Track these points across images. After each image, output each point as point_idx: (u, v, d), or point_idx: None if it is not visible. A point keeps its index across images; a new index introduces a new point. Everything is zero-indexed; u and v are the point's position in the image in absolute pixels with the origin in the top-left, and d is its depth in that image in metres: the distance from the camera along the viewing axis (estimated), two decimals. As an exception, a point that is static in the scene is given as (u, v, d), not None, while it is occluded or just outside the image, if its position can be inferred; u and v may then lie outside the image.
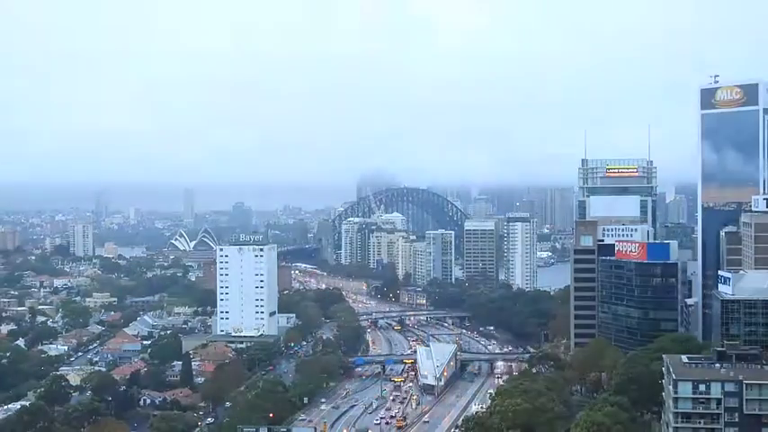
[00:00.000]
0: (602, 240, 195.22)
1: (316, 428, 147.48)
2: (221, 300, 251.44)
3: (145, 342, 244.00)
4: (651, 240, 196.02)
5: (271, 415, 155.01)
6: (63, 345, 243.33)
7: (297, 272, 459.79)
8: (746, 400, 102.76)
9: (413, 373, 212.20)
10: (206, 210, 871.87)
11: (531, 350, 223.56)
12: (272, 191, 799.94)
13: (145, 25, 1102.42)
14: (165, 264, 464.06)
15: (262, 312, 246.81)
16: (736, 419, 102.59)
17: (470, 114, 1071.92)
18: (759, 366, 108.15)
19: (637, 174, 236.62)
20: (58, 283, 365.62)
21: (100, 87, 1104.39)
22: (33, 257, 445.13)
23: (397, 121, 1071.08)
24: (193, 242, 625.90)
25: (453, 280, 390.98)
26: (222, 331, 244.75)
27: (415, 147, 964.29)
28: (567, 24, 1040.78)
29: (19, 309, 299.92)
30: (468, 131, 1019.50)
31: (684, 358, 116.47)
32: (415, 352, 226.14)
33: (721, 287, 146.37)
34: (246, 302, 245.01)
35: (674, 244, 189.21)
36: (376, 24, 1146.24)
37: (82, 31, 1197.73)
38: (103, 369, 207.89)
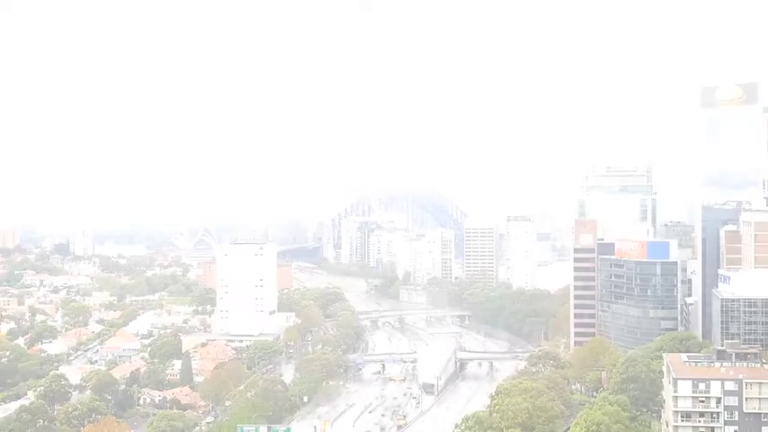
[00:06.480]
0: (602, 239, 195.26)
1: (316, 427, 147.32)
2: (221, 299, 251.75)
3: (144, 341, 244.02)
4: (651, 239, 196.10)
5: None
6: (63, 344, 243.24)
7: (297, 270, 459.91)
8: (746, 398, 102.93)
9: (412, 372, 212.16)
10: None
11: (531, 349, 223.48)
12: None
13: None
14: (165, 263, 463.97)
15: (261, 311, 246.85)
16: (736, 418, 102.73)
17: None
18: (759, 365, 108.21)
19: (637, 172, 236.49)
20: (57, 281, 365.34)
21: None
22: (33, 256, 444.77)
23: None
24: (193, 241, 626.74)
25: (453, 279, 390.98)
26: (222, 330, 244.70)
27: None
28: (565, 24, 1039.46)
29: (18, 308, 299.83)
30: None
31: (684, 357, 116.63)
32: (415, 351, 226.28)
33: (721, 286, 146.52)
34: (246, 301, 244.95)
35: (673, 243, 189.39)
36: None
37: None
38: (103, 368, 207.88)
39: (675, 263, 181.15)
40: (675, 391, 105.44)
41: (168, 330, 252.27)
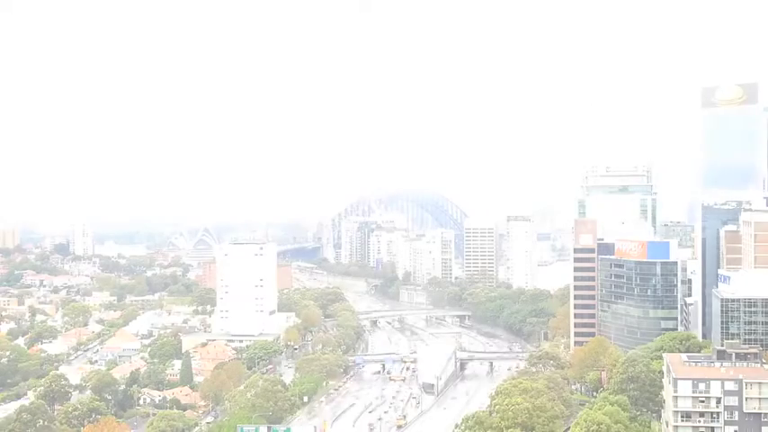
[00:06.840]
0: (602, 239, 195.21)
1: (315, 427, 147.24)
2: (221, 299, 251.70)
3: (144, 341, 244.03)
4: (651, 239, 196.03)
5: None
6: (63, 344, 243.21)
7: (297, 270, 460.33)
8: (746, 398, 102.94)
9: (412, 372, 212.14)
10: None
11: (531, 349, 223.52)
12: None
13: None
14: (165, 263, 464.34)
15: (261, 311, 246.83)
16: (736, 418, 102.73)
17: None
18: (759, 365, 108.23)
19: (637, 172, 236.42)
20: (57, 282, 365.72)
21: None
22: (33, 256, 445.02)
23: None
24: (193, 241, 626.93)
25: (453, 279, 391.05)
26: (222, 330, 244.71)
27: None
28: (565, 24, 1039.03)
29: (18, 308, 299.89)
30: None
31: (684, 357, 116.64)
32: (415, 351, 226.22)
33: (721, 286, 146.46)
34: (246, 301, 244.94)
35: (673, 243, 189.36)
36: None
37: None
38: (103, 368, 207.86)
39: (675, 263, 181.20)
40: (675, 391, 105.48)
41: (168, 330, 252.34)
